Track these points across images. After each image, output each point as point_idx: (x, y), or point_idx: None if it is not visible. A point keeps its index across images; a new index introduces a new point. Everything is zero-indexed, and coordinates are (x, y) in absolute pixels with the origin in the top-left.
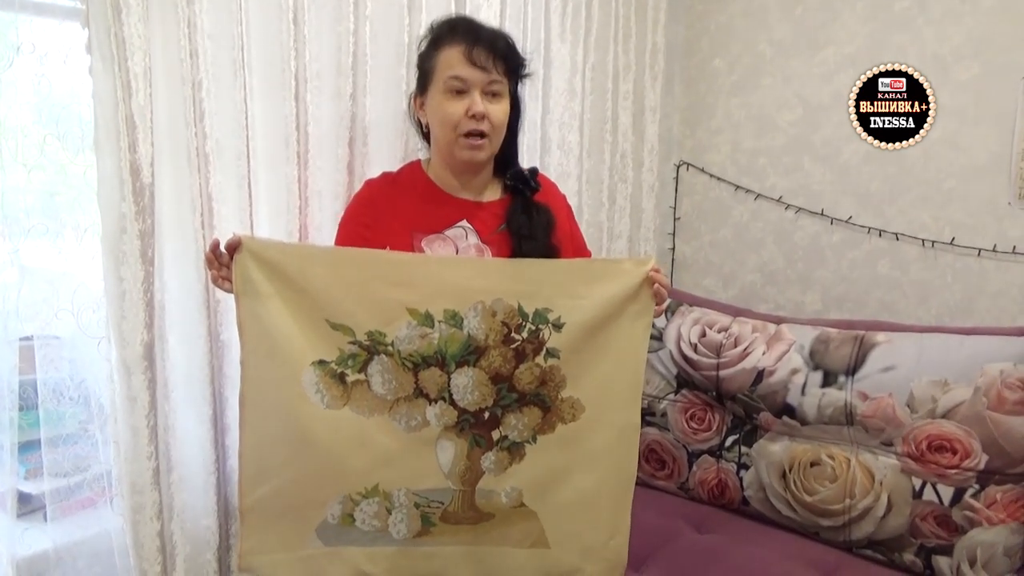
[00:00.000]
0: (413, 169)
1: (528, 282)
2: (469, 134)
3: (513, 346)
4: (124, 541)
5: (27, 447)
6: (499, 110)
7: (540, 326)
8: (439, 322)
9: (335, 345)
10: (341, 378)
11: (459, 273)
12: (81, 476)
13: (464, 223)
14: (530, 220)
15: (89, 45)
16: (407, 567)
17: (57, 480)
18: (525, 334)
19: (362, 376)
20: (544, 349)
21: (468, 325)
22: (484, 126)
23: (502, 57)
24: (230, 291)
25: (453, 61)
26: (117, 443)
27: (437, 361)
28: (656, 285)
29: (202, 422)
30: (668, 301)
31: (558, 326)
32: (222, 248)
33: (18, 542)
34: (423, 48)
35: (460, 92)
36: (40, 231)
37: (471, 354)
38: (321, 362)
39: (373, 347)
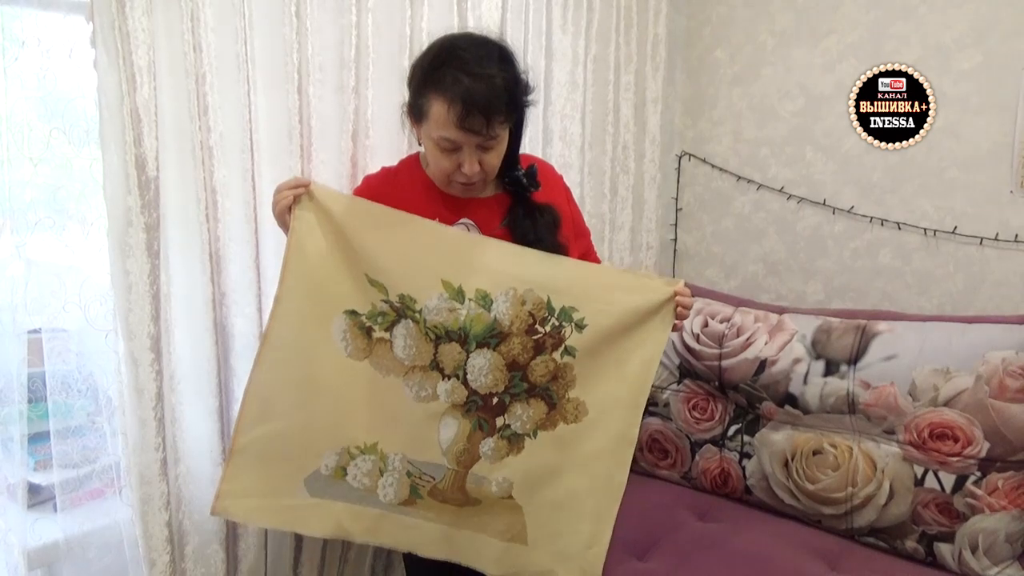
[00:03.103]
0: (412, 166)
1: (563, 279)
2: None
3: (535, 337)
4: (133, 531)
5: (36, 439)
6: (494, 156)
7: (564, 323)
8: (469, 300)
9: (369, 300)
10: (368, 332)
11: (500, 257)
12: (90, 467)
13: (466, 220)
14: (534, 224)
15: (93, 39)
16: (385, 532)
17: (66, 471)
18: (548, 328)
19: (387, 336)
20: (563, 346)
21: (496, 309)
22: (476, 178)
23: (500, 113)
24: (283, 226)
25: (443, 121)
26: (125, 435)
27: (459, 337)
28: (679, 308)
29: (209, 414)
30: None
31: (580, 326)
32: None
33: (29, 532)
34: (415, 80)
35: (452, 148)
36: (46, 225)
37: (493, 337)
38: (353, 312)
39: (402, 310)
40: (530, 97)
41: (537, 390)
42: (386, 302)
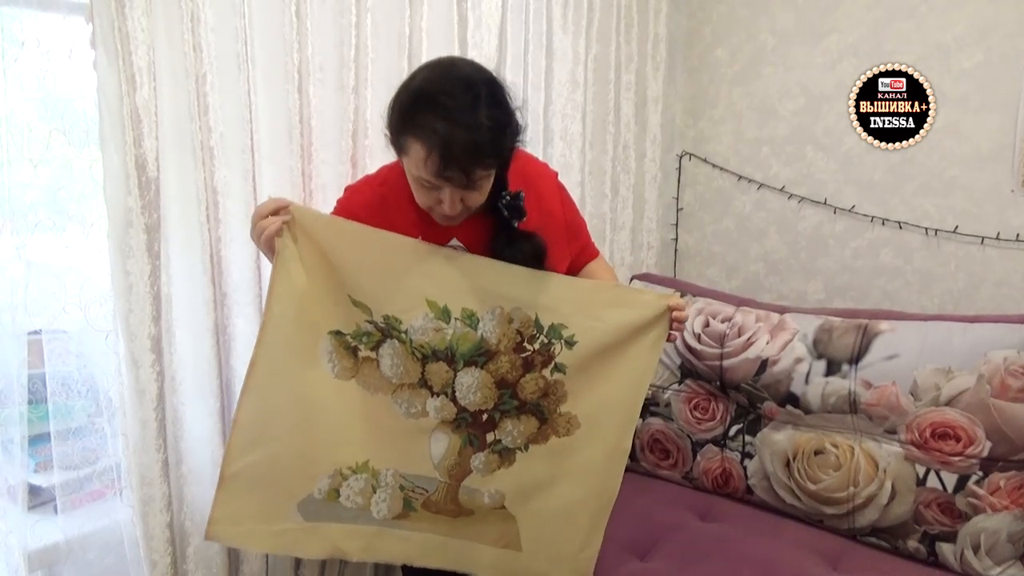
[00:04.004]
0: (397, 179)
1: (550, 297)
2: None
3: (523, 355)
4: (134, 532)
5: (37, 440)
6: (478, 195)
7: (553, 340)
8: (455, 319)
9: (353, 320)
10: (354, 351)
11: (485, 276)
12: (90, 469)
13: (455, 242)
14: (514, 256)
15: (93, 40)
16: (381, 547)
17: (67, 473)
18: (537, 345)
19: (373, 355)
20: (552, 363)
21: (483, 327)
22: (458, 215)
23: (482, 162)
24: (267, 251)
25: (422, 165)
26: (126, 436)
27: (446, 356)
28: (674, 323)
29: (210, 414)
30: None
31: (570, 343)
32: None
33: (30, 534)
34: (393, 118)
35: (432, 188)
36: (46, 226)
37: (480, 356)
38: (338, 332)
39: (387, 330)
40: (521, 137)
41: (528, 406)
42: (370, 323)
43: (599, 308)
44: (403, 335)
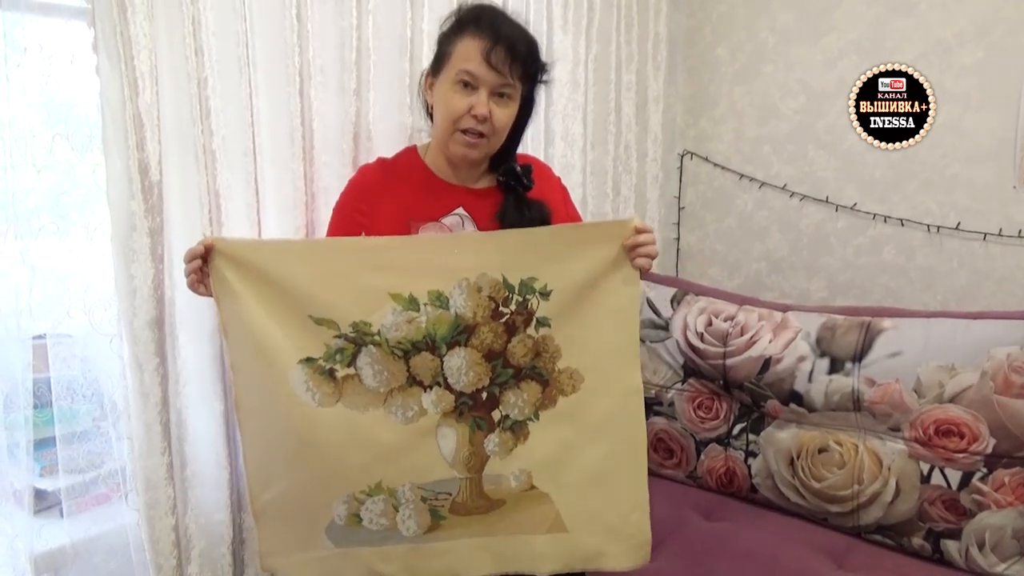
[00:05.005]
0: (409, 155)
1: (510, 252)
2: (467, 131)
3: (503, 320)
4: (140, 536)
5: (42, 444)
6: (504, 113)
7: (527, 296)
8: (424, 304)
9: (321, 341)
10: (331, 374)
11: (439, 252)
12: (96, 472)
13: (460, 211)
14: (522, 218)
15: (95, 44)
16: (422, 565)
17: (72, 477)
18: (513, 306)
19: (352, 370)
20: (534, 319)
21: (455, 304)
22: (484, 127)
23: (521, 61)
24: (206, 294)
25: (469, 55)
26: (131, 439)
27: (427, 345)
28: (637, 252)
29: (214, 417)
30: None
31: (545, 294)
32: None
33: (35, 538)
34: (445, 28)
35: (468, 86)
36: (50, 231)
37: (461, 334)
38: (308, 359)
39: (359, 338)
40: (544, 77)
41: (524, 372)
42: (339, 336)
43: (563, 250)
44: (377, 337)
